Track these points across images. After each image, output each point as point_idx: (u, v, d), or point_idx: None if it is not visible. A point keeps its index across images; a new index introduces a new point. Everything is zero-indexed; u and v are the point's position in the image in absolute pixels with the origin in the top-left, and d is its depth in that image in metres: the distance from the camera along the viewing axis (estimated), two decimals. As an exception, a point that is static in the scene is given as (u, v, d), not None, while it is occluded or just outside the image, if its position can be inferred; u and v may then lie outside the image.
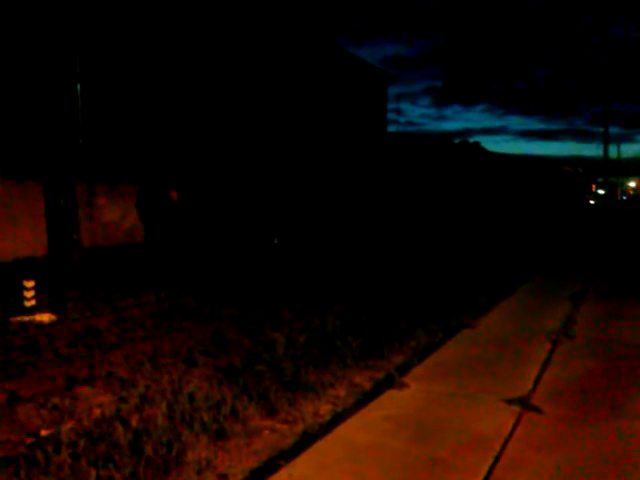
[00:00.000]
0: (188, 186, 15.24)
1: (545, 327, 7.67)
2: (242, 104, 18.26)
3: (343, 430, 4.41)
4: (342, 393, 5.40)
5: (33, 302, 8.42)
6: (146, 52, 15.41)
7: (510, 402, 4.93)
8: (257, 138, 18.39)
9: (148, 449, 4.07)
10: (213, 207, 16.03)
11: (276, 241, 12.36)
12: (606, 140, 58.01)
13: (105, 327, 7.68)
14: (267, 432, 4.54)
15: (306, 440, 4.32)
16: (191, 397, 5.04)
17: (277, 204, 16.65)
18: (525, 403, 4.91)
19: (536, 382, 5.49)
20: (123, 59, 14.84)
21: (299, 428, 4.62)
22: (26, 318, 8.10)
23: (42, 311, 8.39)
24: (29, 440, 4.33)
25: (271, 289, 10.64)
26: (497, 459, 3.91)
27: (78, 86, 13.57)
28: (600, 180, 69.75)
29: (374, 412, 4.76)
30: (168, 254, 13.30)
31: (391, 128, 31.69)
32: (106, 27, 14.40)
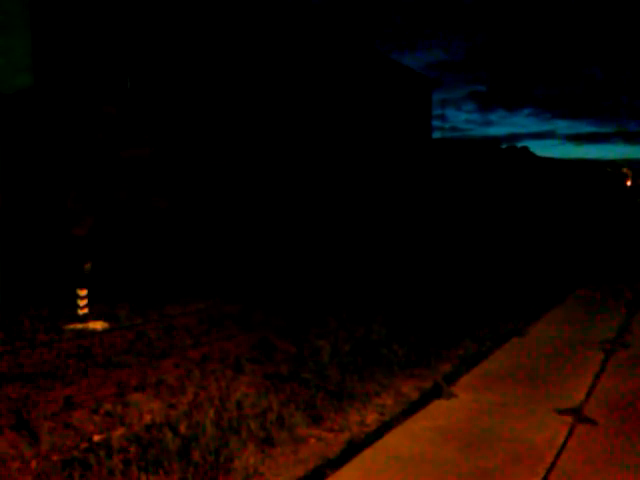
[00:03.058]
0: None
1: (598, 336, 7.45)
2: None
3: (390, 440, 4.37)
4: (389, 402, 5.37)
5: (86, 310, 8.66)
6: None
7: (562, 413, 4.80)
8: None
9: (196, 455, 4.13)
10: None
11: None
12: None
13: (155, 335, 7.84)
14: (313, 440, 4.55)
15: (352, 449, 4.30)
16: (238, 404, 5.09)
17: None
18: (578, 414, 4.77)
19: (589, 393, 5.33)
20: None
21: (345, 437, 4.61)
22: (79, 326, 8.34)
23: (95, 319, 8.63)
24: (83, 445, 4.46)
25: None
26: (549, 471, 3.81)
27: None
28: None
29: (421, 422, 4.70)
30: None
31: (436, 134, 31.48)
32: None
